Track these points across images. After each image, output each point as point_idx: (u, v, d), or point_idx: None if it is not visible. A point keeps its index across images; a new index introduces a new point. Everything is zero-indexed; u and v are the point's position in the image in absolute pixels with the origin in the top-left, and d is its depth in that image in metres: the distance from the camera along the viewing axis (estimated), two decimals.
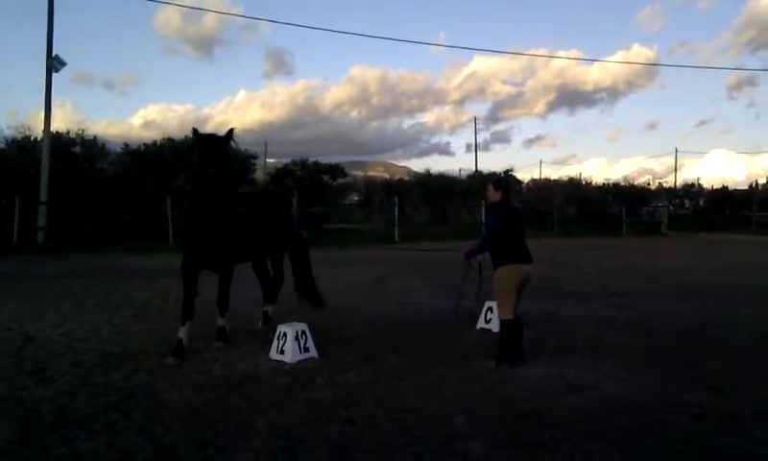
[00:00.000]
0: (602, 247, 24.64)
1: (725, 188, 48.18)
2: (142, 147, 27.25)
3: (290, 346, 6.75)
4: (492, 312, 8.28)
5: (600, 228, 34.35)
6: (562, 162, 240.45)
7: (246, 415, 5.11)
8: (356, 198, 38.30)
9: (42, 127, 22.03)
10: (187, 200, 7.59)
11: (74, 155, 25.15)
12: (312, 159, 33.46)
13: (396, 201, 28.93)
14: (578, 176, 46.09)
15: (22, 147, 24.32)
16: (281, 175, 33.47)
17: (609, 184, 44.48)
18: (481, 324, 8.56)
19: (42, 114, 21.93)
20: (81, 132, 26.07)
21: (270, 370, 6.47)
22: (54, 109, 22.35)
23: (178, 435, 4.67)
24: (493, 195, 6.86)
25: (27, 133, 25.17)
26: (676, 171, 65.16)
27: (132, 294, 11.32)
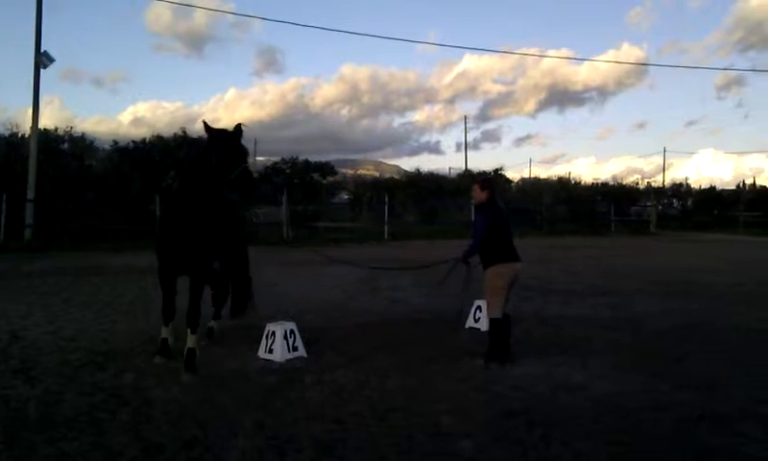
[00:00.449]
0: (591, 246, 24.74)
1: (713, 188, 48.50)
2: (131, 144, 27.11)
3: (278, 345, 6.74)
4: (480, 311, 8.30)
5: (589, 227, 34.49)
6: (551, 161, 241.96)
7: (234, 414, 5.09)
8: (346, 197, 38.25)
9: (30, 123, 21.85)
10: (182, 200, 6.53)
11: (62, 152, 24.96)
12: (302, 158, 33.45)
13: (386, 199, 28.92)
14: (567, 175, 46.43)
15: (10, 144, 24.10)
16: (271, 173, 33.38)
17: (598, 184, 44.71)
18: (470, 323, 8.58)
19: (30, 111, 21.77)
20: (69, 129, 25.94)
21: (258, 369, 6.45)
22: (42, 106, 22.24)
23: (165, 434, 4.65)
24: (479, 195, 6.88)
25: (15, 129, 24.95)
26: (664, 171, 65.62)
27: (120, 292, 11.25)
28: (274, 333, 6.81)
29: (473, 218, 6.96)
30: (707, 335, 8.43)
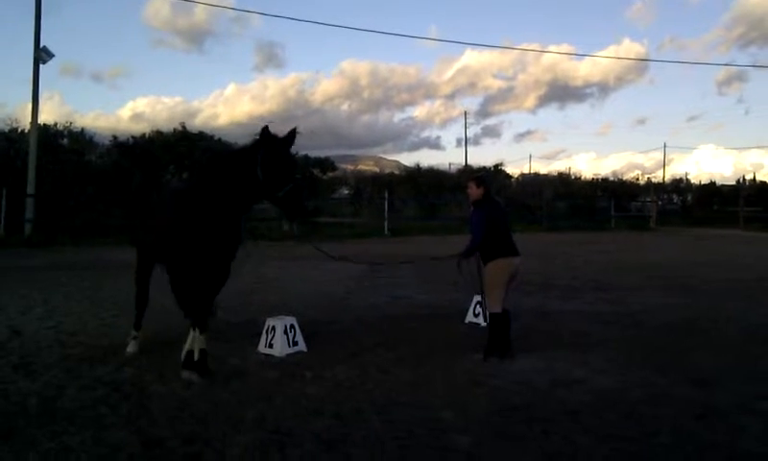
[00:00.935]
0: (591, 241, 24.72)
1: (713, 184, 48.54)
2: (131, 140, 27.09)
3: (279, 340, 6.75)
4: (480, 306, 8.31)
5: (589, 222, 34.49)
6: (551, 157, 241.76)
7: (234, 409, 5.10)
8: (346, 192, 38.22)
9: (30, 119, 21.86)
10: (209, 206, 5.70)
11: (62, 147, 24.95)
12: (302, 153, 33.38)
13: (386, 195, 28.90)
14: (567, 170, 46.35)
15: (9, 139, 24.10)
16: None
17: (598, 179, 44.68)
18: (470, 318, 8.59)
19: (30, 106, 21.77)
20: (69, 124, 25.91)
21: (258, 364, 6.46)
22: (42, 101, 22.28)
23: (165, 429, 4.66)
24: (476, 192, 6.88)
25: (14, 124, 25.00)
26: (665, 166, 65.68)
27: (119, 287, 11.22)
28: (274, 328, 6.81)
29: (471, 215, 6.95)
30: (706, 330, 8.43)
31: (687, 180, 48.43)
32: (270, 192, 5.51)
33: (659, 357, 6.95)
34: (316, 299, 10.35)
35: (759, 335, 8.17)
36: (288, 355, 6.68)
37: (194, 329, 5.89)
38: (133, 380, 5.81)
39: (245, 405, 5.18)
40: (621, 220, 36.56)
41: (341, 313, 9.21)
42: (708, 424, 4.95)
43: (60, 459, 4.15)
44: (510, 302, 6.97)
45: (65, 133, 25.50)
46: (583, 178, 45.25)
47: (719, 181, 49.83)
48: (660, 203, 42.62)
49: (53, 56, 21.85)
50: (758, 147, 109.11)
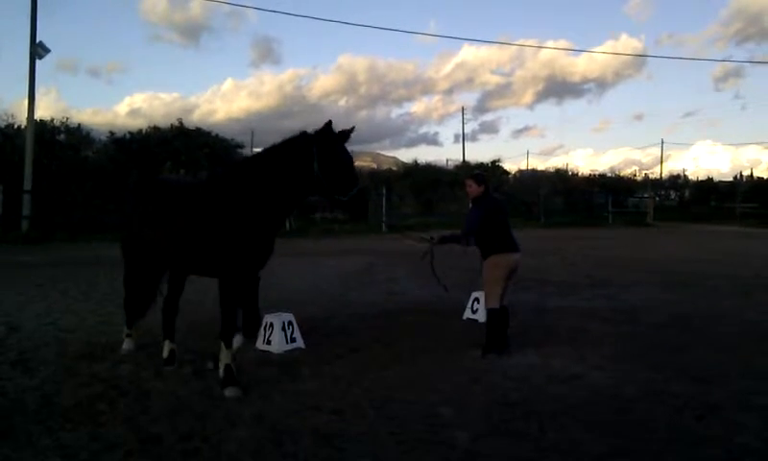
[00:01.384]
0: (588, 237, 24.77)
1: (710, 180, 48.70)
2: (128, 135, 27.05)
3: (277, 336, 6.75)
4: (478, 303, 8.32)
5: (586, 218, 34.59)
6: (549, 153, 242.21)
7: (232, 405, 5.10)
8: None
9: (26, 114, 21.79)
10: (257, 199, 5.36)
11: (59, 143, 24.86)
12: None
13: (384, 191, 28.91)
14: (565, 166, 46.39)
15: (6, 135, 24.02)
16: None
17: (595, 175, 44.81)
18: (467, 314, 8.59)
19: (26, 102, 21.70)
20: (65, 120, 25.79)
21: (256, 360, 6.46)
22: (38, 97, 22.24)
23: (163, 425, 4.66)
24: (476, 190, 6.90)
25: (11, 120, 24.88)
26: (662, 162, 65.52)
27: (117, 284, 11.18)
28: (272, 324, 6.81)
29: (469, 211, 6.94)
30: (703, 326, 8.45)
31: (685, 175, 48.55)
32: (331, 192, 5.30)
33: (655, 353, 6.97)
34: (314, 295, 10.36)
35: (756, 332, 8.20)
36: (286, 352, 6.68)
37: (226, 345, 5.50)
38: (131, 377, 5.80)
39: (243, 402, 5.18)
40: (618, 216, 36.68)
41: (339, 309, 9.21)
42: (705, 420, 4.97)
43: (57, 456, 4.14)
44: (508, 298, 6.98)
45: (62, 128, 25.39)
46: (580, 174, 45.42)
47: (716, 178, 50.09)
48: (657, 199, 42.70)
49: (49, 51, 21.77)
50: (756, 143, 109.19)
